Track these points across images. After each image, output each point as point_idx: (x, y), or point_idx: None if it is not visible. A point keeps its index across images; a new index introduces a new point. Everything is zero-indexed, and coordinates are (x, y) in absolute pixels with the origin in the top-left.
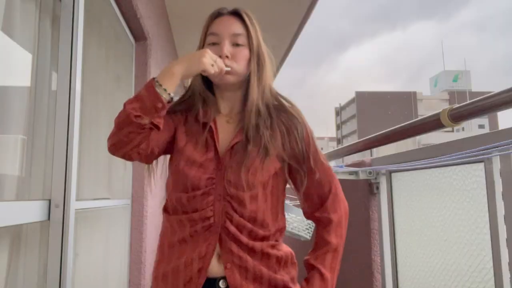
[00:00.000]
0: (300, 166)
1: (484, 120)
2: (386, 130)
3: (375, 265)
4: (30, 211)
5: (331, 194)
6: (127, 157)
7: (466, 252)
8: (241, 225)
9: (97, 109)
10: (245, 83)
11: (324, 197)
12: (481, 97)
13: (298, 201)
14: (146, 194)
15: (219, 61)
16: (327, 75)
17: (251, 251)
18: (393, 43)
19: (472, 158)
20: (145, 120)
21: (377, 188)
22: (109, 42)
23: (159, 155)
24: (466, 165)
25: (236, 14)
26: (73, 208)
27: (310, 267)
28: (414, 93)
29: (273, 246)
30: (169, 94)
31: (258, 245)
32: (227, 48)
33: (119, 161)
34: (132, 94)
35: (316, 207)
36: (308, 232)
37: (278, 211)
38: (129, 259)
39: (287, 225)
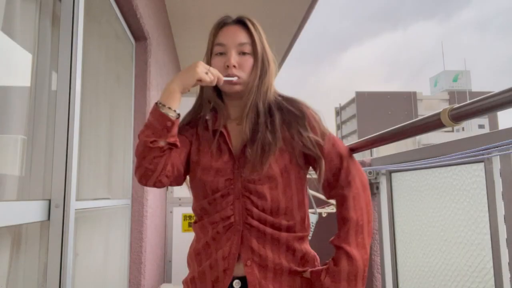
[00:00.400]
0: (313, 152)
1: (484, 120)
2: (386, 130)
3: (375, 265)
4: (30, 211)
5: (343, 169)
6: (158, 184)
7: (466, 252)
8: (262, 219)
9: (97, 109)
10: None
11: (336, 173)
12: (481, 97)
13: None
14: (146, 194)
15: (213, 70)
16: (327, 75)
17: (275, 242)
18: (394, 43)
19: (472, 158)
20: (161, 143)
21: (377, 188)
22: (109, 42)
23: (186, 173)
24: (466, 165)
25: (241, 22)
26: (73, 208)
27: (335, 248)
28: (414, 93)
29: (300, 239)
30: (174, 111)
31: (284, 236)
32: (234, 58)
33: (119, 161)
34: (132, 94)
35: (332, 185)
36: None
37: (301, 200)
38: (129, 259)
39: None
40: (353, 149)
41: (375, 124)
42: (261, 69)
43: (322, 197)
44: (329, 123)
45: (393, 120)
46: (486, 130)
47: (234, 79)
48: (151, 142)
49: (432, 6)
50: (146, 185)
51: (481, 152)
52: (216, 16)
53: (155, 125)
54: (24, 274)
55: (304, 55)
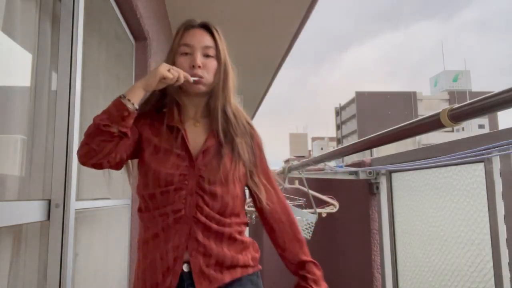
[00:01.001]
0: (253, 175)
1: (484, 120)
2: (386, 130)
3: (375, 265)
4: (30, 211)
5: (277, 203)
6: (97, 166)
7: (466, 252)
8: (210, 216)
9: (97, 109)
10: (210, 91)
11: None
12: (481, 97)
13: (298, 202)
14: None
15: (176, 68)
16: (328, 75)
17: (218, 235)
18: (395, 43)
19: (472, 158)
20: (114, 129)
21: (377, 188)
22: (109, 42)
23: (127, 159)
24: (466, 165)
25: (207, 27)
26: (73, 208)
27: (304, 264)
28: (414, 93)
29: (239, 233)
30: (133, 104)
31: (227, 230)
32: (199, 59)
33: None
34: None
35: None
36: (308, 232)
37: (243, 201)
38: (129, 259)
39: None
40: (354, 150)
41: (375, 124)
42: (224, 73)
43: (322, 197)
44: (330, 123)
45: (393, 120)
46: (486, 130)
47: (196, 79)
48: (104, 126)
49: (434, 6)
50: (84, 164)
51: (481, 152)
52: (216, 16)
53: (112, 112)
54: (24, 274)
55: (304, 55)
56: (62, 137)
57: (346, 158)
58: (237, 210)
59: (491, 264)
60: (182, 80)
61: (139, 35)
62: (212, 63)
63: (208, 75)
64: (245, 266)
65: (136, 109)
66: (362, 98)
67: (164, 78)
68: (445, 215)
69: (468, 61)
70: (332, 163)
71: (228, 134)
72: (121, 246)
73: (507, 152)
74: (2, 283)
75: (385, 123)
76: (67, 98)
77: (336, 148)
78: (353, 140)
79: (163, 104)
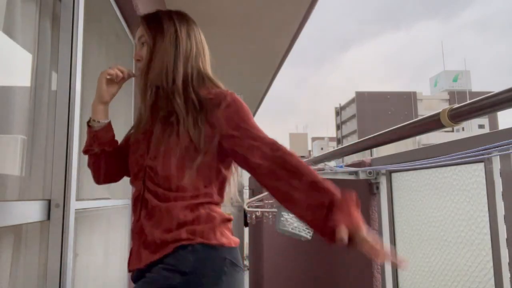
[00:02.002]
0: (226, 142)
1: (484, 120)
2: (386, 130)
3: (375, 265)
4: (30, 211)
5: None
6: (109, 180)
7: (466, 252)
8: (154, 191)
9: None
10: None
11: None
12: (481, 97)
13: None
14: None
15: (114, 66)
16: (329, 75)
17: (154, 210)
18: (396, 43)
19: (472, 158)
20: (95, 150)
21: (377, 188)
22: (109, 42)
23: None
24: (466, 165)
25: (141, 19)
26: (73, 208)
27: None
28: (414, 93)
29: (188, 208)
30: (98, 121)
31: (163, 206)
32: (136, 53)
33: None
34: (132, 94)
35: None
36: (308, 232)
37: (208, 179)
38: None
39: (287, 225)
40: (354, 150)
41: (375, 124)
42: (150, 52)
43: None
44: (330, 123)
45: (393, 120)
46: (486, 130)
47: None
48: (86, 151)
49: (436, 5)
50: (99, 183)
51: (481, 152)
52: (216, 16)
53: (87, 138)
54: (24, 274)
55: (306, 55)
56: (62, 137)
57: (346, 158)
58: (194, 180)
59: (491, 264)
60: (124, 73)
61: None
62: (144, 50)
63: (141, 63)
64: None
65: (105, 122)
66: (362, 98)
67: (109, 75)
68: (445, 215)
69: (470, 61)
70: (332, 163)
71: (156, 110)
72: (121, 246)
73: (507, 152)
74: (3, 283)
75: (385, 123)
76: (67, 98)
77: (336, 148)
78: (353, 140)
79: None
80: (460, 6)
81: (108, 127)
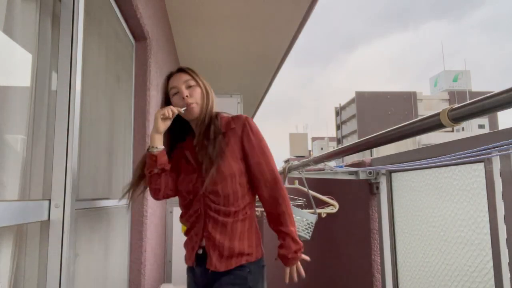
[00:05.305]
0: (248, 162)
1: (484, 120)
2: (386, 130)
3: (375, 265)
4: (30, 211)
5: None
6: (166, 196)
7: (466, 252)
8: (217, 210)
9: (97, 109)
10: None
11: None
12: (481, 97)
13: (297, 202)
14: (146, 194)
15: (169, 106)
16: (335, 75)
17: (223, 226)
18: (403, 43)
19: (472, 158)
20: (155, 170)
21: (377, 188)
22: (109, 42)
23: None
24: (466, 165)
25: (182, 70)
26: (73, 208)
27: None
28: (414, 93)
29: (243, 220)
30: (157, 147)
31: (230, 220)
32: (184, 91)
33: (119, 161)
34: (132, 94)
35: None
36: (308, 232)
37: (245, 192)
38: (129, 259)
39: None
40: (355, 150)
41: (375, 124)
42: (206, 93)
43: (322, 197)
44: (330, 123)
45: (393, 120)
46: (486, 130)
47: (183, 106)
48: (149, 172)
49: (444, 6)
50: (158, 199)
51: (481, 152)
52: (216, 16)
53: (148, 162)
54: (24, 274)
55: (312, 55)
56: (62, 137)
57: (346, 158)
58: (240, 195)
59: (491, 264)
60: (175, 111)
61: (139, 35)
62: (196, 89)
63: (195, 99)
64: (241, 254)
65: (163, 149)
66: (362, 98)
67: (162, 115)
68: (445, 215)
69: (477, 61)
70: (332, 163)
71: (209, 140)
72: (121, 246)
73: (507, 152)
74: (3, 283)
75: (385, 123)
76: (67, 98)
77: (336, 148)
78: (353, 140)
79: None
80: (471, 6)
81: (164, 151)
